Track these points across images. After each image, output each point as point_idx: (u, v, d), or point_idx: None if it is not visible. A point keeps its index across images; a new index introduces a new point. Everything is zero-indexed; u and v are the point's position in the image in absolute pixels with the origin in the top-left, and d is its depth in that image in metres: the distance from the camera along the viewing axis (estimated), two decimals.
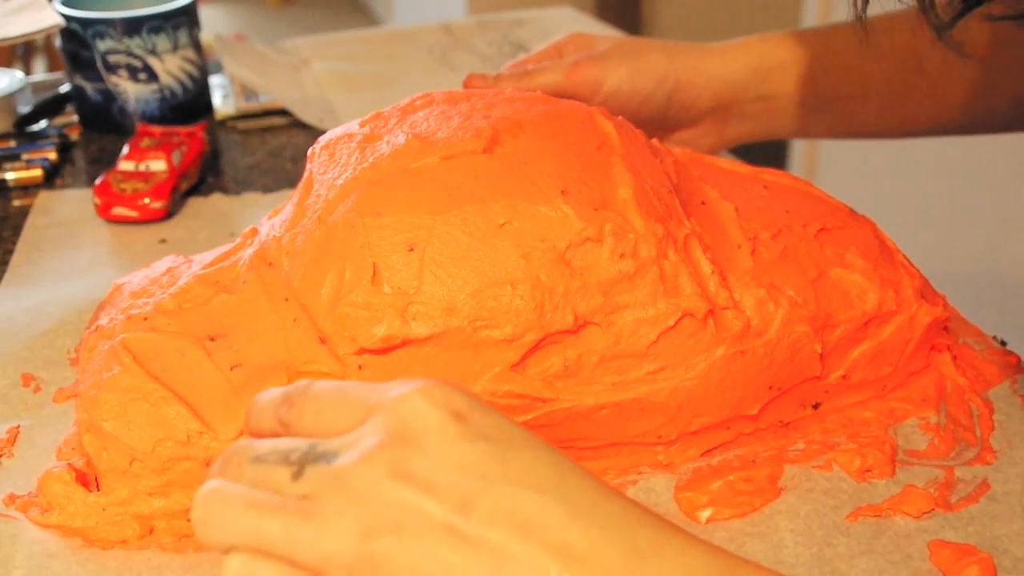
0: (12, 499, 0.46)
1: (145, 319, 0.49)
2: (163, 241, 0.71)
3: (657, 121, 0.69)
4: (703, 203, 0.52)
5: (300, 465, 0.31)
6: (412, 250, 0.45)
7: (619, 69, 0.66)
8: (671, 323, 0.45)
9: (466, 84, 0.66)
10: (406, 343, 0.44)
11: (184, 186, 0.77)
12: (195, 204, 0.77)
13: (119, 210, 0.72)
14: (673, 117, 0.70)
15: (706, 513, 0.45)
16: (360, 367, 0.45)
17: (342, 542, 0.29)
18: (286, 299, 0.48)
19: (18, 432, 0.50)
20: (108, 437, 0.45)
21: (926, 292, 0.53)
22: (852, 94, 0.69)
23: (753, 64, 0.69)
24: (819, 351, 0.48)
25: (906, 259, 0.54)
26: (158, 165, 0.75)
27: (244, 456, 0.33)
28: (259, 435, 0.35)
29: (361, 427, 0.31)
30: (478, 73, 0.67)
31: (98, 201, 0.73)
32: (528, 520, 0.29)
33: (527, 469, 0.30)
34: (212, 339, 0.47)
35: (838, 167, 1.86)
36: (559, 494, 0.30)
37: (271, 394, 0.35)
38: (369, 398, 0.32)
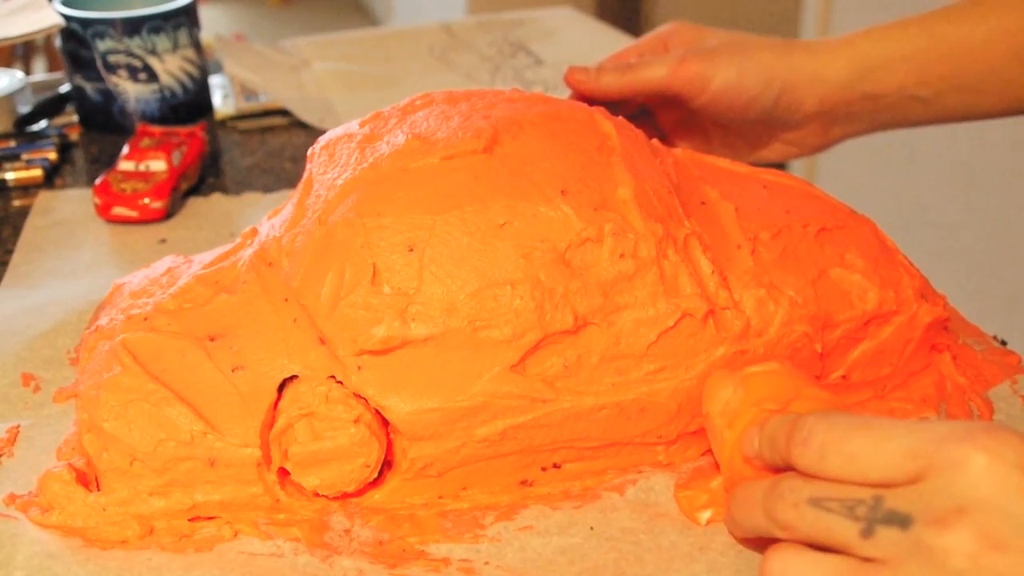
0: (12, 499, 0.46)
1: (145, 319, 0.49)
2: (163, 241, 0.71)
3: (763, 122, 0.67)
4: (703, 203, 0.52)
5: (869, 523, 0.30)
6: (412, 250, 0.45)
7: (727, 68, 0.64)
8: (671, 323, 0.45)
9: (567, 77, 0.64)
10: (406, 344, 0.44)
11: (184, 186, 0.77)
12: (195, 204, 0.77)
13: (119, 210, 0.72)
14: (779, 119, 0.67)
15: (706, 514, 0.45)
16: (359, 368, 0.44)
17: None
18: (286, 299, 0.48)
19: (18, 432, 0.50)
20: (109, 437, 0.45)
21: (926, 292, 0.53)
22: (963, 84, 0.66)
23: (857, 63, 0.66)
24: (819, 351, 0.48)
25: (906, 259, 0.54)
26: (158, 165, 0.75)
27: (800, 496, 0.32)
28: (760, 466, 0.35)
29: (917, 487, 0.30)
30: (579, 66, 0.64)
31: (98, 201, 0.73)
32: None
33: None
34: (212, 339, 0.47)
35: (838, 167, 1.86)
36: None
37: (780, 428, 0.35)
38: (912, 446, 0.31)
